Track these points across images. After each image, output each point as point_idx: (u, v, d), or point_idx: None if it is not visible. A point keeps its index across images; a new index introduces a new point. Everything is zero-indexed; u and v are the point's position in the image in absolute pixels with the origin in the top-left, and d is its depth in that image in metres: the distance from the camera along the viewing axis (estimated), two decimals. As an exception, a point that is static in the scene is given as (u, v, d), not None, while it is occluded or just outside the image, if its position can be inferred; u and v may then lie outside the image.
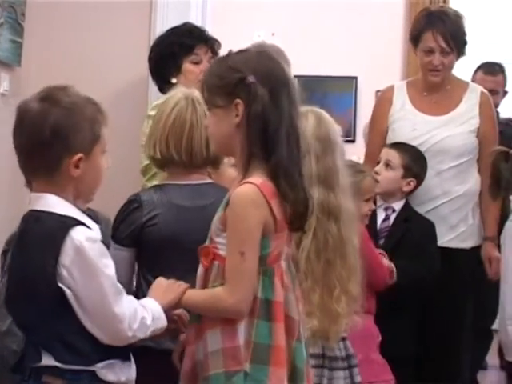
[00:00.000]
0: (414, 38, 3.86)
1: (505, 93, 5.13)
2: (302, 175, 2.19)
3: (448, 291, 3.64)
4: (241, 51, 2.24)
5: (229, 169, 2.89)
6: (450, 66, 3.85)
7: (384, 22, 7.09)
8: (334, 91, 7.22)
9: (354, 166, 3.23)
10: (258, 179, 2.12)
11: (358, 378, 2.83)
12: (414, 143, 3.78)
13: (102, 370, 2.09)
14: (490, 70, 5.07)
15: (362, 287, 2.75)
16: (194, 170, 2.71)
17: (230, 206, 2.13)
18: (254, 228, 2.11)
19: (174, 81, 3.57)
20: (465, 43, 3.84)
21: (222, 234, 2.16)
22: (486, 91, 4.09)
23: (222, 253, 2.16)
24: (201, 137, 2.67)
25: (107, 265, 2.08)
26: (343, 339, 2.78)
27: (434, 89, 3.89)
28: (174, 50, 3.61)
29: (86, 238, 2.05)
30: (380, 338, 3.24)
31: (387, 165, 3.72)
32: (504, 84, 5.13)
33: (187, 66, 3.62)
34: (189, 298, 2.21)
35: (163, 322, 2.18)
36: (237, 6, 7.06)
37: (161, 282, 2.27)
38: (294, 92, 2.18)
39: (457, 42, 3.80)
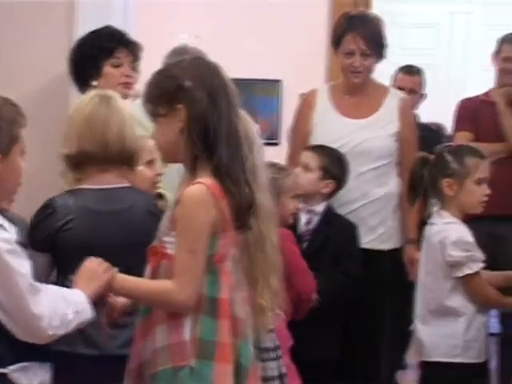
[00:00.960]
0: (336, 41, 3.92)
1: (422, 95, 5.25)
2: (247, 172, 2.27)
3: (367, 292, 3.69)
4: (177, 61, 2.33)
5: (143, 169, 2.93)
6: (371, 69, 3.91)
7: (308, 25, 7.14)
8: (259, 94, 7.24)
9: (276, 165, 3.37)
10: (208, 179, 2.19)
11: (284, 369, 2.95)
12: (335, 146, 3.82)
13: (14, 373, 2.08)
14: (409, 71, 5.24)
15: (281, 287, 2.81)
16: (109, 168, 2.71)
17: (180, 205, 2.19)
18: (203, 227, 2.18)
19: (94, 83, 3.56)
20: (384, 46, 3.90)
21: (170, 232, 2.22)
22: (405, 96, 4.17)
23: (170, 252, 2.21)
24: (115, 132, 2.70)
25: (22, 264, 2.09)
26: (271, 330, 2.87)
27: (355, 92, 3.95)
28: (94, 52, 3.60)
29: (0, 238, 2.06)
30: (291, 343, 3.26)
31: (305, 167, 3.75)
32: (421, 85, 5.26)
33: (108, 69, 3.60)
34: (126, 284, 2.22)
35: (87, 314, 2.19)
36: (160, 9, 7.04)
37: (87, 267, 2.26)
38: (231, 93, 2.26)
39: (377, 45, 3.87)
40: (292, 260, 3.33)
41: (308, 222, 3.74)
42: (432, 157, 3.29)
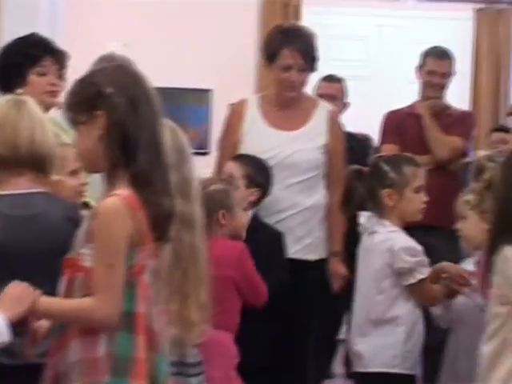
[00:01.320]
0: (270, 55, 3.91)
1: (344, 104, 5.30)
2: (168, 182, 2.24)
3: (294, 301, 3.71)
4: (99, 68, 2.33)
5: (66, 178, 2.90)
6: (305, 83, 3.94)
7: (237, 36, 7.18)
8: (189, 103, 7.25)
9: (226, 179, 3.51)
10: (125, 191, 2.15)
11: None
12: (264, 157, 3.83)
13: None
14: (330, 79, 5.29)
15: (225, 304, 3.03)
16: (21, 172, 2.65)
17: (97, 218, 2.15)
18: (121, 240, 2.14)
19: (19, 91, 3.51)
20: (317, 59, 3.93)
21: (86, 245, 2.17)
22: (334, 108, 4.21)
23: (86, 264, 2.17)
24: (25, 136, 2.63)
25: None
26: (194, 346, 2.87)
27: (286, 104, 3.97)
28: (19, 60, 3.55)
29: None
30: (238, 360, 3.28)
31: (230, 177, 3.76)
32: (343, 93, 5.31)
33: (33, 77, 3.56)
34: (50, 307, 2.19)
35: (4, 337, 2.14)
36: (89, 16, 6.99)
37: (12, 290, 2.21)
38: (154, 102, 2.24)
39: (311, 59, 3.89)
40: (252, 274, 3.39)
41: None
42: (366, 169, 3.31)
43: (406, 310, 3.15)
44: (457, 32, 7.53)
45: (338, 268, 3.87)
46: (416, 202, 3.25)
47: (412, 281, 3.12)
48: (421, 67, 4.94)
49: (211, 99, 7.29)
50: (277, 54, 3.87)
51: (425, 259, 3.17)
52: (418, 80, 4.93)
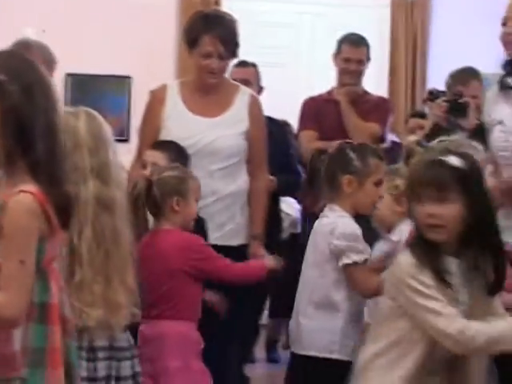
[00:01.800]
0: (191, 41, 3.90)
1: (259, 89, 5.33)
2: (66, 170, 2.22)
3: (215, 286, 3.72)
4: None
5: None
6: (226, 69, 3.95)
7: (157, 22, 7.15)
8: (109, 90, 7.20)
9: (180, 167, 3.50)
10: (31, 187, 2.13)
11: (138, 368, 2.93)
12: (185, 143, 3.82)
13: None
14: (243, 64, 5.30)
15: (182, 294, 3.17)
16: None
17: (6, 214, 2.12)
18: (31, 236, 2.12)
19: None
20: (238, 46, 3.93)
21: None
22: (255, 94, 4.22)
23: None
24: None
25: None
26: (126, 330, 2.89)
27: (207, 90, 3.96)
28: None
29: None
30: (202, 345, 3.30)
31: (155, 166, 3.74)
32: (256, 78, 5.31)
33: None
34: None
35: None
36: (5, 2, 6.88)
37: None
38: (49, 89, 2.21)
39: (232, 46, 3.89)
40: (202, 263, 3.37)
41: None
42: (330, 150, 3.29)
43: (344, 296, 3.14)
44: (375, 19, 7.63)
45: (257, 251, 3.89)
46: (373, 195, 3.23)
47: (339, 264, 3.11)
48: (337, 54, 4.99)
49: (131, 86, 7.26)
50: (197, 40, 3.86)
51: (359, 246, 3.13)
52: (335, 67, 4.99)
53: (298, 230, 5.82)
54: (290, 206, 6.05)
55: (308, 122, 4.97)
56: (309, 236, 3.32)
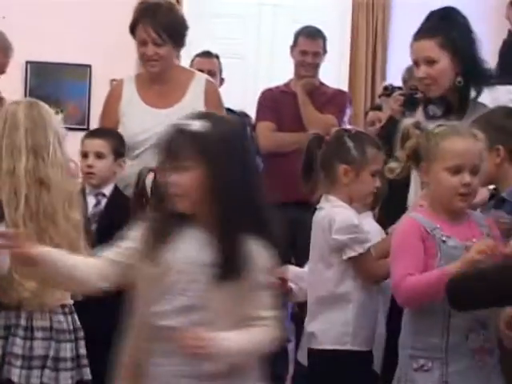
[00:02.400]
0: (131, 31, 3.91)
1: (221, 80, 5.33)
2: None
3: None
4: None
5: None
6: (167, 57, 3.89)
7: (116, 11, 7.10)
8: (69, 79, 7.17)
9: None
10: None
11: (83, 351, 3.00)
12: (142, 137, 3.82)
13: None
14: (207, 55, 5.31)
15: None
16: None
17: None
18: None
19: None
20: (182, 34, 3.90)
21: None
22: (211, 79, 4.21)
23: None
24: None
25: None
26: (71, 312, 2.98)
27: (158, 80, 3.94)
28: None
29: None
30: None
31: (98, 156, 3.78)
32: (219, 69, 5.32)
33: None
34: None
35: None
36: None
37: None
38: None
39: (171, 34, 3.85)
40: None
41: (97, 204, 3.77)
42: (327, 137, 3.18)
43: (354, 286, 3.05)
44: (336, 11, 7.66)
45: None
46: (369, 186, 3.12)
47: (344, 257, 3.02)
48: (294, 47, 5.03)
49: (91, 75, 7.23)
50: (134, 28, 3.87)
51: (361, 236, 3.04)
52: (292, 59, 5.02)
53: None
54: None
55: (265, 114, 4.99)
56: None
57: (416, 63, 3.33)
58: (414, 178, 3.26)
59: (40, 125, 2.99)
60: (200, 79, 4.01)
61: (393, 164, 2.95)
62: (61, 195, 2.92)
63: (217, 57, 5.34)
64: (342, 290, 3.05)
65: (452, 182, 2.71)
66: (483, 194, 3.05)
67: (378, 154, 3.16)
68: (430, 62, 3.27)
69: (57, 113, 3.13)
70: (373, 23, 7.59)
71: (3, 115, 3.01)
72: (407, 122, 2.98)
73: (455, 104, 3.32)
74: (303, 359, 3.20)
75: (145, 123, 3.85)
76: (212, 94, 3.98)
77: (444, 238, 2.69)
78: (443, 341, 2.67)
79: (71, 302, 2.99)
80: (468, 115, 3.25)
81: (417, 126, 2.89)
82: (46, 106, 3.06)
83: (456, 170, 2.71)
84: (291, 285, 3.28)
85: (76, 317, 3.00)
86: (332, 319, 3.05)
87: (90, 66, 7.21)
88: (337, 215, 3.05)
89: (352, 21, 7.63)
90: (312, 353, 3.10)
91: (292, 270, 3.37)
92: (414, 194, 3.35)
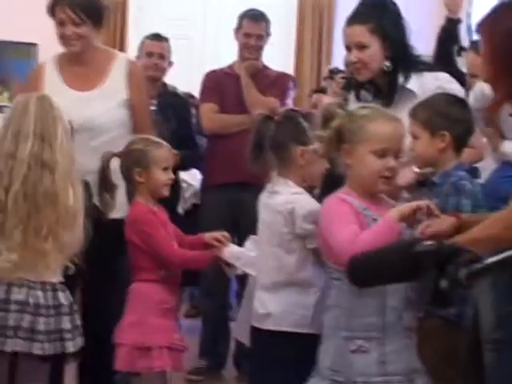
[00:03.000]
0: (50, 11, 3.86)
1: (170, 63, 5.36)
2: None
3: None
4: None
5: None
6: (88, 36, 3.83)
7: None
8: (15, 57, 7.13)
9: (148, 138, 3.61)
10: None
11: (67, 325, 3.14)
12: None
13: None
14: (157, 38, 5.32)
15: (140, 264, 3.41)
16: None
17: None
18: None
19: None
20: (99, 13, 3.84)
21: None
22: (133, 59, 4.19)
23: None
24: None
25: None
26: (54, 290, 3.13)
27: (79, 61, 3.88)
28: None
29: None
30: (170, 305, 3.46)
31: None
32: (169, 52, 5.31)
33: None
34: None
35: None
36: None
37: None
38: None
39: (89, 13, 3.79)
40: (149, 240, 3.45)
41: None
42: (277, 118, 3.13)
43: (315, 272, 3.00)
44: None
45: None
46: (322, 167, 3.07)
47: (311, 246, 2.99)
48: (238, 29, 5.06)
49: (37, 53, 7.19)
50: (53, 10, 3.84)
51: None
52: (237, 41, 5.06)
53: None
54: (193, 177, 6.12)
55: (209, 95, 5.02)
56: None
57: (348, 48, 3.41)
58: None
59: (50, 115, 3.19)
60: (122, 60, 3.96)
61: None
62: (65, 177, 3.11)
63: (167, 40, 5.36)
64: (303, 275, 3.01)
65: (377, 165, 2.75)
66: (407, 176, 3.12)
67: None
68: (361, 47, 3.35)
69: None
70: (319, 6, 7.66)
71: (14, 105, 3.20)
72: (328, 102, 3.02)
73: (384, 89, 3.41)
74: (244, 338, 3.25)
75: (66, 106, 3.51)
76: (135, 75, 3.93)
77: (375, 217, 2.73)
78: (379, 320, 2.70)
79: (55, 280, 3.14)
80: (396, 100, 3.35)
81: (340, 106, 2.95)
82: (58, 103, 3.24)
83: (382, 154, 2.75)
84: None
85: (61, 294, 3.15)
86: (292, 301, 3.01)
87: (36, 45, 7.17)
88: (300, 202, 3.00)
89: (298, 4, 7.69)
90: (263, 333, 3.07)
91: (228, 249, 3.43)
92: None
